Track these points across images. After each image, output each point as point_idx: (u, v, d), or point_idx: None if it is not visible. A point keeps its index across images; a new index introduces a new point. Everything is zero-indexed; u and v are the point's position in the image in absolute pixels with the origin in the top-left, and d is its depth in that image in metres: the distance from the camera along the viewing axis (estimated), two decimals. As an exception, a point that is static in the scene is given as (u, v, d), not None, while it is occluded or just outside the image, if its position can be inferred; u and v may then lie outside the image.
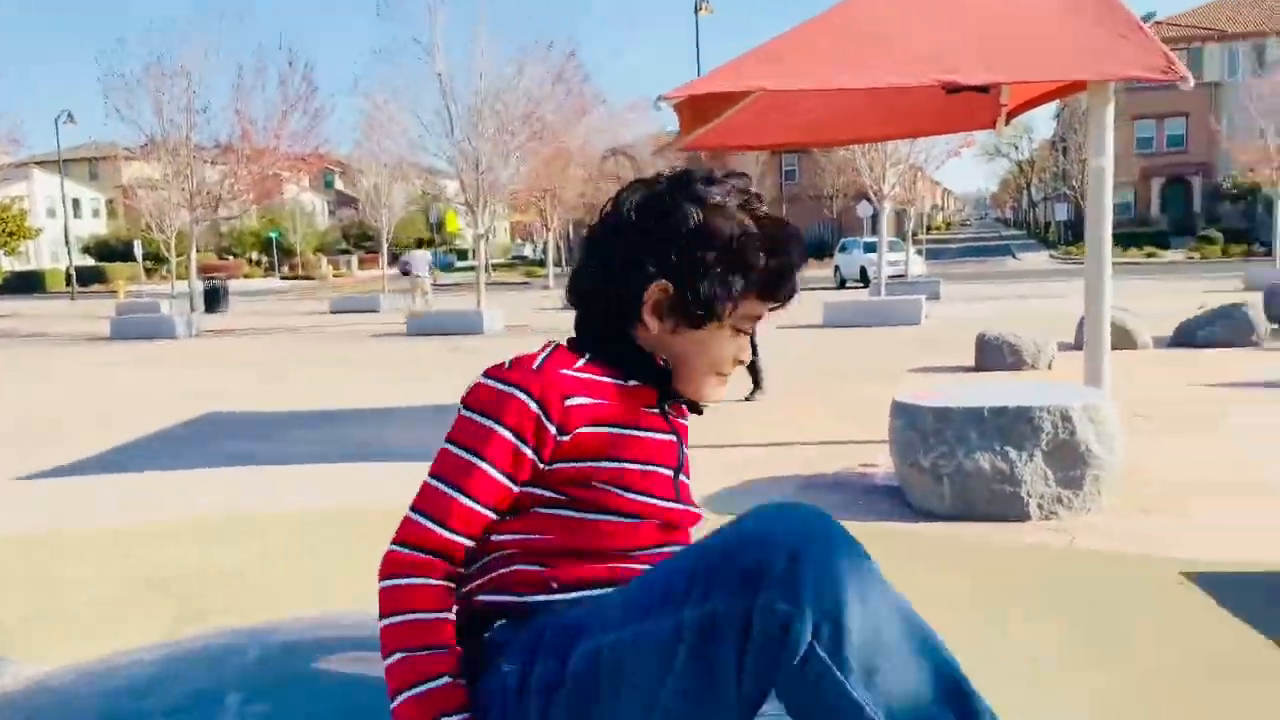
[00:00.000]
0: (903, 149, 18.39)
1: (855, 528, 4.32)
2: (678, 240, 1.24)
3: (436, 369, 12.29)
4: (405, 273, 24.66)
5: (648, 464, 1.25)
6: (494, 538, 1.22)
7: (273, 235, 57.25)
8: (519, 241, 71.47)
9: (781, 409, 8.16)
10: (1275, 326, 12.24)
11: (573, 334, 1.34)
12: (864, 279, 27.80)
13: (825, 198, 43.24)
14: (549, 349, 1.28)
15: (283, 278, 54.16)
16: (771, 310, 1.36)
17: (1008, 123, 7.82)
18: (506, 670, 1.13)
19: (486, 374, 1.24)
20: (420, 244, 24.82)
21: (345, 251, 62.95)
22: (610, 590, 1.16)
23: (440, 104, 17.87)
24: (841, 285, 29.62)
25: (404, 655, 1.11)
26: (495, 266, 49.28)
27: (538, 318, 20.83)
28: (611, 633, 1.05)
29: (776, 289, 1.31)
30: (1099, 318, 6.21)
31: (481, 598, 1.22)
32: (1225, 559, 4.02)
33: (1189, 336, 11.10)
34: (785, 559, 0.97)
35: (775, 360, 11.74)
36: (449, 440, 1.21)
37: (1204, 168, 43.70)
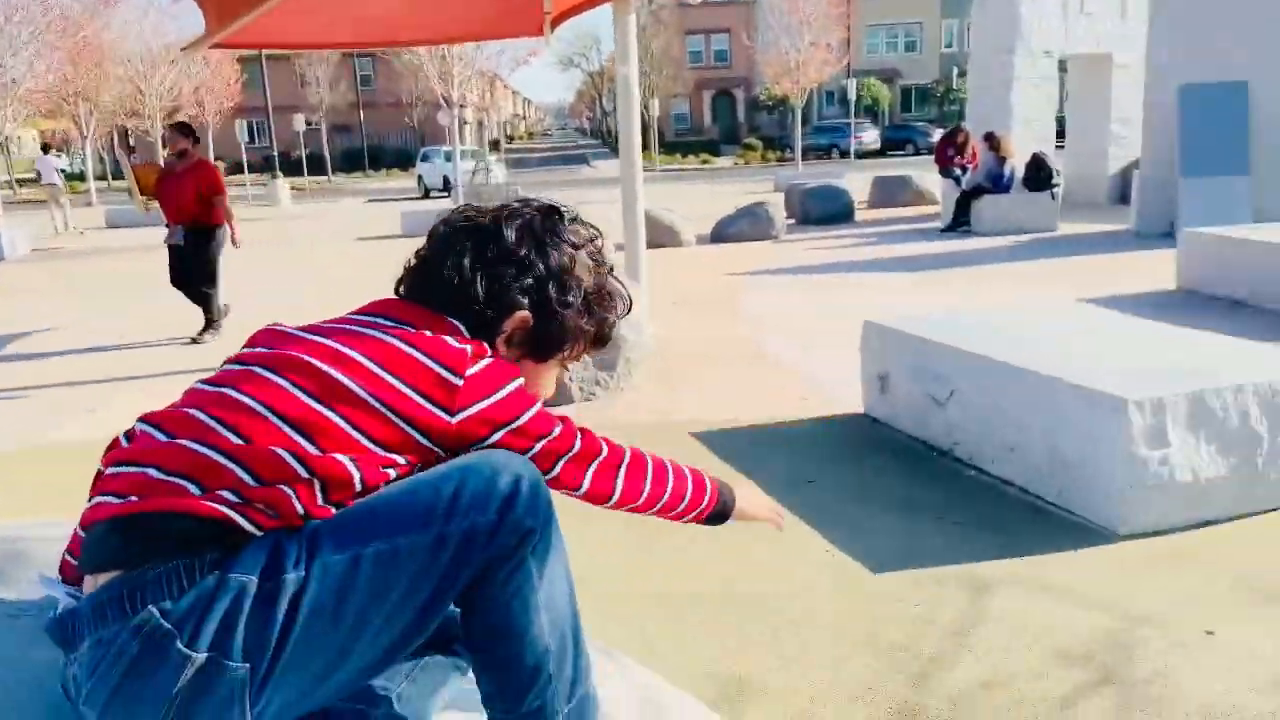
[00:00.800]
0: (470, 54, 18.41)
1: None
2: (551, 278, 1.32)
3: (-61, 303, 10.42)
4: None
5: None
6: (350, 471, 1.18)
7: None
8: (56, 153, 61.57)
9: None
10: (792, 221, 14.18)
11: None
12: (447, 188, 27.77)
13: (405, 105, 42.11)
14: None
15: None
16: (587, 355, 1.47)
17: (553, 29, 8.13)
18: (244, 579, 1.10)
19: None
20: (45, 148, 20.35)
21: None
22: (349, 508, 1.18)
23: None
24: (425, 195, 29.38)
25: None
26: (22, 182, 42.30)
27: (75, 239, 18.34)
28: (373, 544, 1.12)
29: (607, 340, 1.46)
30: (634, 215, 6.79)
31: (260, 509, 1.14)
32: (723, 419, 4.70)
33: (723, 232, 12.51)
34: (529, 485, 1.19)
35: (351, 271, 11.44)
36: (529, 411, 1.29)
37: (745, 81, 48.69)
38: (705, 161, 41.07)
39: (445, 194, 27.14)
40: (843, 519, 3.43)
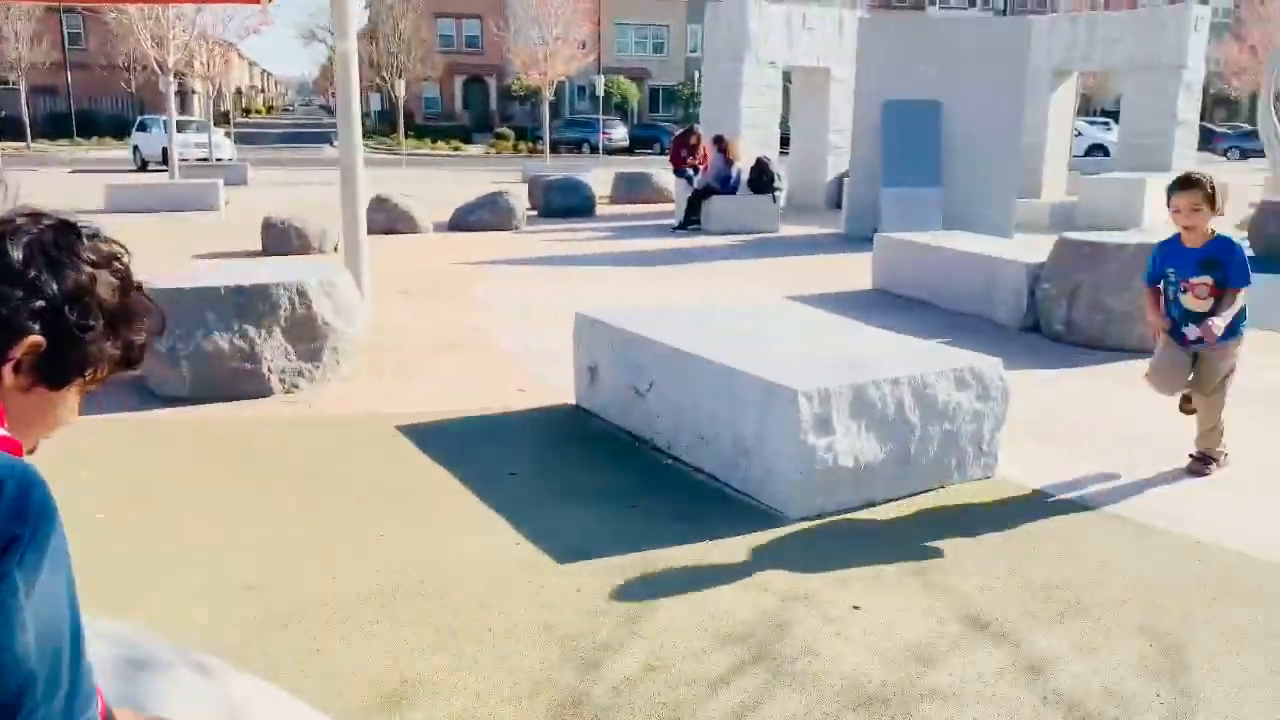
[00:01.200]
0: (189, 15, 16.98)
1: (89, 422, 3.95)
2: (69, 300, 1.19)
3: None
4: None
5: None
6: None
7: None
8: None
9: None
10: (534, 212, 14.19)
11: None
12: (166, 161, 25.60)
13: (121, 68, 38.27)
14: None
15: None
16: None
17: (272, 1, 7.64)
18: None
19: None
20: None
21: None
22: None
23: None
24: (143, 167, 26.99)
25: None
26: None
27: None
28: None
29: (137, 362, 1.31)
30: (353, 197, 6.52)
31: None
32: (435, 411, 4.59)
33: (463, 221, 12.32)
34: (17, 486, 1.05)
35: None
36: None
37: (498, 70, 48.25)
38: (456, 148, 40.35)
39: (164, 167, 25.02)
40: (538, 511, 3.44)
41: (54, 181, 20.73)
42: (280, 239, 9.95)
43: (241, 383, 4.73)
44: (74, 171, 25.04)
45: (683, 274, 9.10)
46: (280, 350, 4.81)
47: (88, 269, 1.22)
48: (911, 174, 10.75)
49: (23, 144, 36.38)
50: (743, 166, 12.59)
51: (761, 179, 12.44)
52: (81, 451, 3.96)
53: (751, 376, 3.48)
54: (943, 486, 3.65)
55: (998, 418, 3.75)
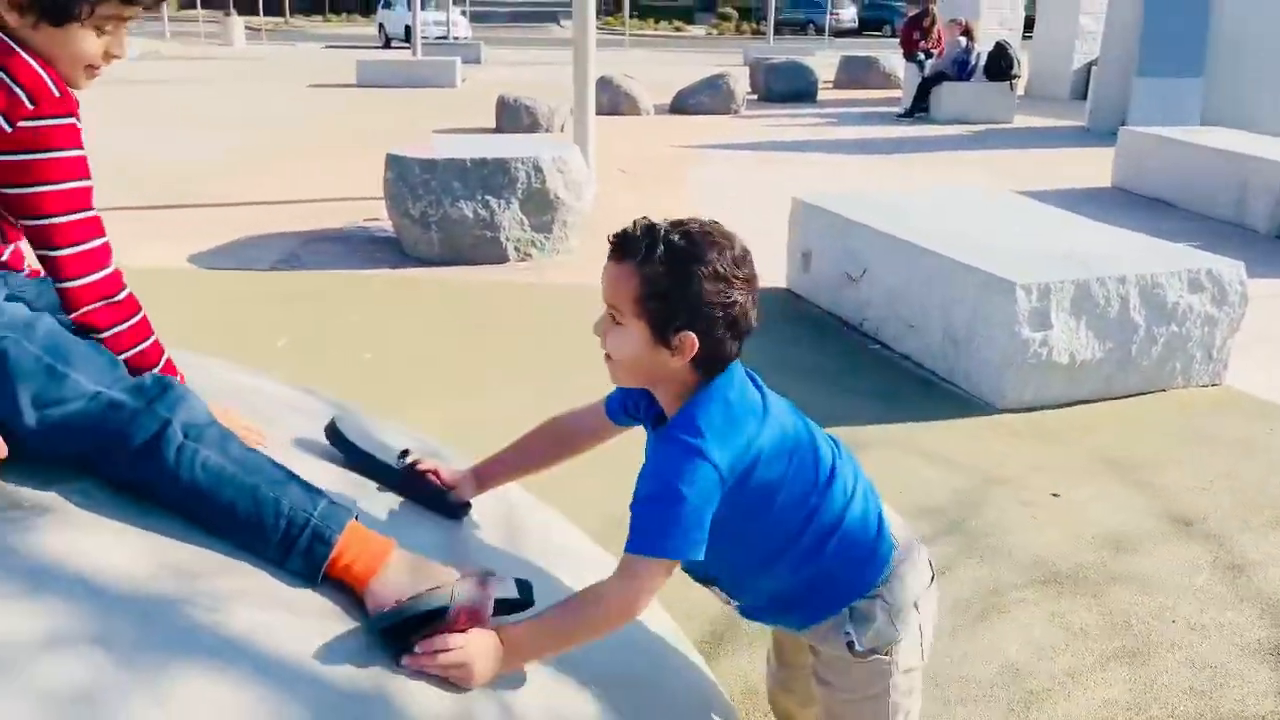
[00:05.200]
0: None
1: (356, 275, 4.53)
2: None
3: None
4: None
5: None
6: None
7: None
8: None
9: (292, 170, 7.96)
10: (754, 97, 14.04)
11: None
12: (410, 37, 26.88)
13: (368, -54, 40.05)
14: None
15: None
16: (131, 15, 1.32)
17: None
18: None
19: None
20: None
21: None
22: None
23: None
24: (386, 44, 28.42)
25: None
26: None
27: None
28: None
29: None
30: (584, 81, 6.77)
31: None
32: (654, 284, 4.85)
33: (683, 104, 12.39)
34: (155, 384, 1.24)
35: (302, 120, 11.21)
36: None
37: (726, -54, 46.85)
38: (678, 29, 39.97)
39: (407, 44, 26.30)
40: (748, 382, 3.64)
41: (311, 56, 22.35)
42: (512, 116, 10.43)
43: (481, 249, 5.15)
44: (327, 47, 26.79)
45: (904, 163, 8.86)
46: (516, 221, 5.19)
47: None
48: (1172, 61, 9.83)
49: (281, 19, 39.09)
50: (981, 51, 11.90)
51: (1000, 65, 11.73)
52: (350, 300, 4.51)
53: (969, 267, 3.49)
54: (1164, 390, 3.57)
55: (1233, 324, 3.58)
